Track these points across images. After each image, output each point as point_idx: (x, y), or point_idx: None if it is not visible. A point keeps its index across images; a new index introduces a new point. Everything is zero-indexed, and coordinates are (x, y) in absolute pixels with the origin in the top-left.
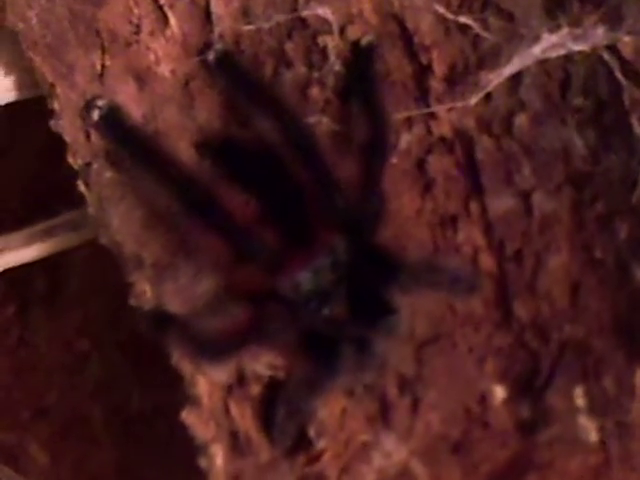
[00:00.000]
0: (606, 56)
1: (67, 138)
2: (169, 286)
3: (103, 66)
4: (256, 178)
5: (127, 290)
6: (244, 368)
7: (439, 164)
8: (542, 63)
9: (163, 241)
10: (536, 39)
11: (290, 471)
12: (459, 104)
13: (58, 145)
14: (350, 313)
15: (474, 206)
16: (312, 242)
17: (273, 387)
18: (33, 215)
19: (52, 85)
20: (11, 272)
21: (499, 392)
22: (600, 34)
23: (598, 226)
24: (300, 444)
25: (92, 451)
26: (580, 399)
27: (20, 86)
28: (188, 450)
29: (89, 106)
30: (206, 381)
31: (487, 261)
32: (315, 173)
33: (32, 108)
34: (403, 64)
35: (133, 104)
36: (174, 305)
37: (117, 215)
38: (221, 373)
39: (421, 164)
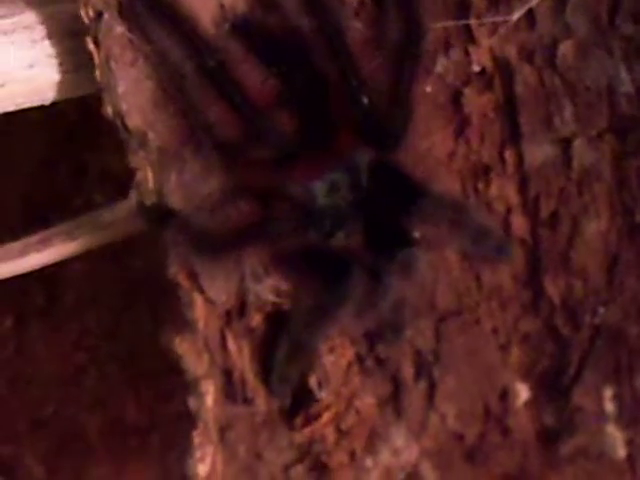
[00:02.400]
0: None
1: None
2: (173, 177)
3: None
4: (279, 62)
5: (124, 303)
6: (245, 292)
7: (476, 100)
8: None
9: (172, 125)
10: None
11: (286, 434)
12: (500, 19)
13: (56, 156)
14: (365, 241)
15: (510, 154)
16: (332, 146)
17: (275, 321)
18: (31, 225)
19: None
20: (8, 284)
21: (522, 392)
22: None
23: None
24: (299, 402)
25: (88, 463)
26: (609, 403)
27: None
28: (184, 463)
29: None
30: (203, 303)
31: (520, 224)
32: (343, 68)
33: (31, 119)
34: None
35: None
36: (176, 199)
37: (125, 80)
38: (220, 291)
39: (457, 98)
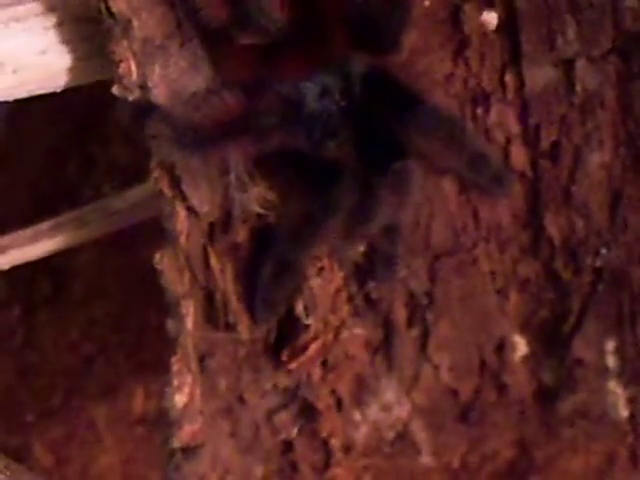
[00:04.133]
0: None
1: None
2: (157, 70)
3: None
4: None
5: (131, 293)
6: (230, 203)
7: (476, 18)
8: None
9: (158, 14)
10: None
11: (270, 375)
12: None
13: (65, 148)
14: (357, 151)
15: (510, 78)
16: (324, 43)
17: (261, 238)
18: (39, 216)
19: None
20: (16, 274)
21: (520, 345)
22: None
23: None
24: (285, 335)
25: (97, 453)
26: (611, 357)
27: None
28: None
29: None
30: (186, 214)
31: (520, 155)
32: None
33: (39, 108)
34: None
35: None
36: (159, 93)
37: None
38: (204, 199)
39: (456, 14)
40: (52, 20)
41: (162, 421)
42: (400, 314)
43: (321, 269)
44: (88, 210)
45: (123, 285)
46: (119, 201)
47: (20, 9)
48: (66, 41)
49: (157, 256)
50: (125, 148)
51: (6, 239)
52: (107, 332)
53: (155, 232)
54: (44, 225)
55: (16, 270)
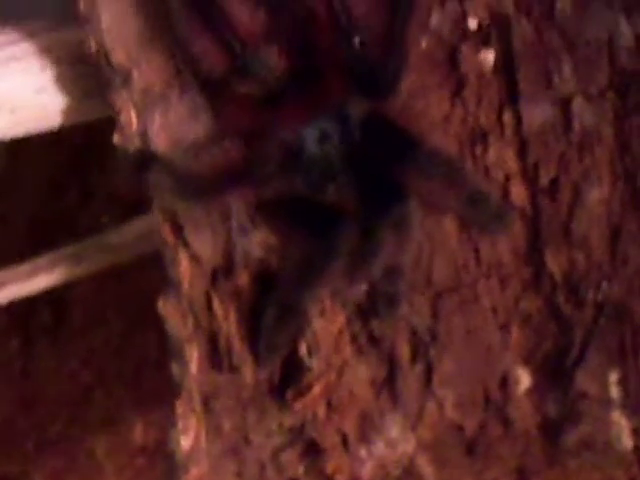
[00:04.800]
0: None
1: None
2: (157, 119)
3: None
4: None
5: (131, 323)
6: (233, 248)
7: (473, 58)
8: None
9: (158, 64)
10: None
11: (276, 415)
12: None
13: (64, 178)
14: (357, 195)
15: (508, 117)
16: (321, 89)
17: (263, 281)
18: (38, 246)
19: None
20: (15, 304)
21: (524, 378)
22: None
23: None
24: (289, 376)
25: None
26: (615, 388)
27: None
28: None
29: None
30: (188, 260)
31: (519, 192)
32: (334, 7)
33: (38, 138)
34: None
35: None
36: (160, 142)
37: (109, 14)
38: (206, 245)
39: (453, 55)
40: (49, 59)
41: (165, 457)
42: (403, 351)
43: (323, 311)
44: (85, 245)
45: (122, 315)
46: (116, 236)
47: (17, 49)
48: (63, 80)
49: (160, 302)
50: (125, 178)
51: (3, 274)
52: (107, 362)
53: (154, 262)
54: (41, 260)
55: (15, 300)
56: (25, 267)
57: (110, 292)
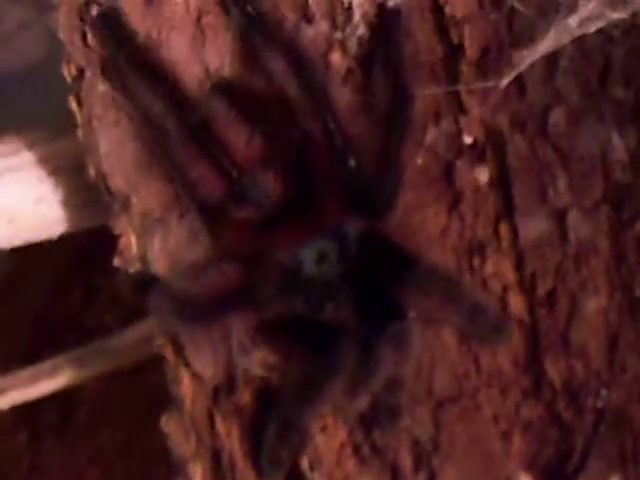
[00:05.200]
0: None
1: (62, 37)
2: (157, 243)
3: None
4: (264, 123)
5: (137, 421)
6: (233, 367)
7: (468, 173)
8: (580, 46)
9: (156, 189)
10: (573, 7)
11: None
12: (489, 84)
13: (68, 278)
14: (356, 312)
15: (504, 229)
16: (318, 211)
17: (265, 398)
18: (43, 345)
19: None
20: None
21: None
22: None
23: (638, 254)
24: None
25: None
26: None
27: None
28: None
29: (89, 2)
30: (190, 379)
31: (517, 303)
32: (328, 129)
33: (41, 243)
34: (433, 43)
35: (138, 17)
36: (160, 265)
37: (108, 141)
38: (207, 364)
39: (449, 170)
40: (47, 170)
41: None
42: (406, 460)
43: (325, 426)
44: (87, 350)
45: (128, 413)
46: (118, 340)
47: (15, 160)
48: (61, 190)
49: (163, 419)
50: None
51: (5, 380)
52: (113, 460)
53: (160, 360)
54: (43, 366)
55: None
56: (27, 372)
57: (116, 391)
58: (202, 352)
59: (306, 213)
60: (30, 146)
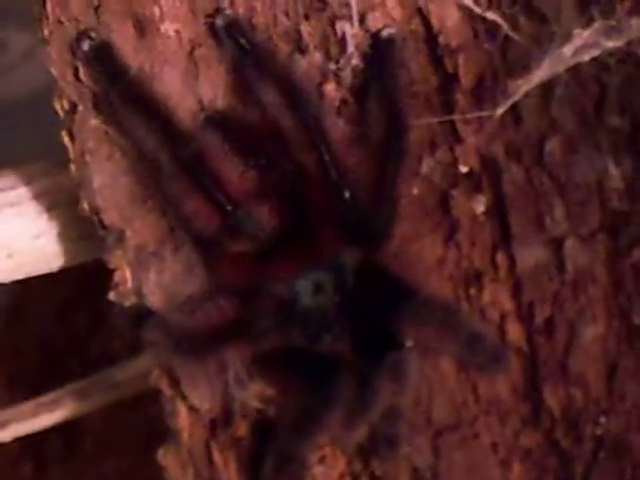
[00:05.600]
0: None
1: (54, 71)
2: (152, 277)
3: None
4: (258, 156)
5: (141, 450)
6: (230, 400)
7: (465, 202)
8: (575, 74)
9: (150, 222)
10: (567, 37)
11: None
12: (484, 114)
13: (74, 304)
14: (353, 343)
15: (501, 258)
16: (314, 243)
17: (262, 430)
18: (50, 368)
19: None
20: None
21: None
22: (635, 25)
23: (635, 281)
24: None
25: None
26: None
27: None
28: None
29: (81, 36)
30: (187, 412)
31: (515, 331)
32: (323, 160)
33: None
34: (427, 73)
35: (130, 50)
36: (156, 299)
37: (101, 175)
38: (204, 397)
39: (445, 200)
40: (45, 204)
41: None
42: None
43: (323, 457)
44: (89, 382)
45: (133, 442)
46: (120, 373)
47: (13, 194)
48: (59, 224)
49: (160, 452)
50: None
51: (7, 413)
52: None
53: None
54: (45, 398)
55: None
56: (29, 405)
57: (121, 420)
58: (198, 385)
59: (302, 245)
60: (28, 181)
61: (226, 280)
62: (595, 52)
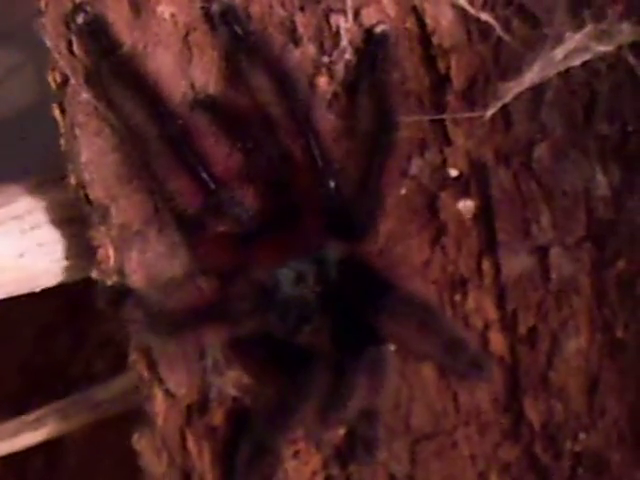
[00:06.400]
0: (631, 60)
1: (49, 43)
2: (134, 256)
3: None
4: (245, 139)
5: (125, 469)
6: (207, 387)
7: (452, 206)
8: (566, 80)
9: (136, 202)
10: (559, 39)
11: None
12: (475, 114)
13: (55, 324)
14: (332, 336)
15: (487, 265)
16: (297, 230)
17: (237, 420)
18: (29, 392)
19: None
20: None
21: None
22: (625, 30)
23: (619, 293)
24: None
25: None
26: None
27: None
28: None
29: (76, 9)
30: (163, 397)
31: (498, 340)
32: (310, 150)
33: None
34: (420, 72)
35: (125, 29)
36: (137, 279)
37: (89, 150)
38: (181, 382)
39: (433, 202)
40: (29, 223)
41: None
42: None
43: (297, 452)
44: (71, 402)
45: (116, 460)
46: (102, 392)
47: None
48: (43, 243)
49: (135, 436)
50: (116, 326)
51: None
52: None
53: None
54: (28, 417)
55: None
56: (10, 425)
57: (104, 439)
58: (176, 369)
59: (285, 232)
60: (12, 200)
61: (208, 262)
62: (586, 56)
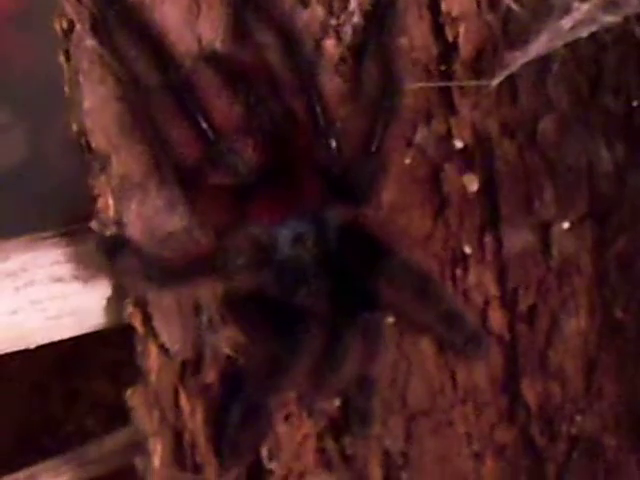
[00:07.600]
0: (638, 32)
1: None
2: (133, 207)
3: None
4: (248, 93)
5: None
6: (202, 344)
7: (456, 178)
8: (572, 52)
9: (137, 153)
10: (566, 9)
11: None
12: (481, 83)
13: (49, 382)
14: (328, 299)
15: (489, 240)
16: (298, 190)
17: (230, 379)
18: (24, 449)
19: None
20: None
21: None
22: (633, 1)
23: (620, 272)
24: (250, 478)
25: None
26: None
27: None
28: None
29: None
30: (158, 352)
31: (498, 318)
32: (313, 109)
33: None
34: (428, 40)
35: None
36: (135, 231)
37: (92, 97)
38: (175, 337)
39: (436, 174)
40: (23, 280)
41: None
42: (375, 472)
43: (288, 415)
44: (64, 459)
45: None
46: (95, 449)
47: None
48: (37, 301)
49: (128, 392)
50: (108, 383)
51: None
52: None
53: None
54: (20, 474)
55: None
56: None
57: None
58: (171, 323)
59: (285, 190)
60: (5, 256)
61: (205, 215)
62: (593, 27)
